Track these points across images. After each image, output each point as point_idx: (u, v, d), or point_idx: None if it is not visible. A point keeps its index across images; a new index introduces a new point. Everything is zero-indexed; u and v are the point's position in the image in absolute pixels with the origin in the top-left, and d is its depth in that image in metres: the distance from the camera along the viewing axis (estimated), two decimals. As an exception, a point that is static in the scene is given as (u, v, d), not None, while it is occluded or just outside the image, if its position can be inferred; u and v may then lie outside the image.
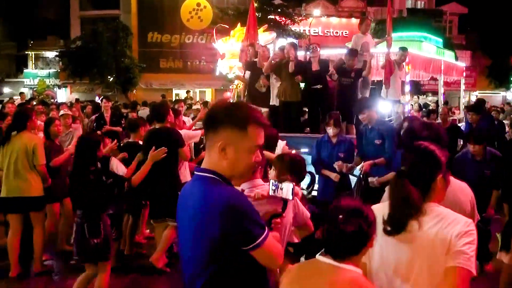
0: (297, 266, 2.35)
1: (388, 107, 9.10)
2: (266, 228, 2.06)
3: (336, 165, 6.24)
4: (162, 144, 5.43)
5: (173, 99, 23.05)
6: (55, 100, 28.42)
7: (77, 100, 18.90)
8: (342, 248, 2.09)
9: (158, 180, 5.74)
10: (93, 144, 5.02)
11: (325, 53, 10.01)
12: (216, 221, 1.94)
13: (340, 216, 2.08)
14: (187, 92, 26.49)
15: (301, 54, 9.43)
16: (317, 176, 6.53)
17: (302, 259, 4.04)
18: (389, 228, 2.25)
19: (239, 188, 2.61)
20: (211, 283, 2.03)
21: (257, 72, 8.77)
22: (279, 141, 5.61)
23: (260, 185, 2.96)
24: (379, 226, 2.23)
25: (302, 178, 3.98)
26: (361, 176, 6.31)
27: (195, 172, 2.17)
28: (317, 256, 2.19)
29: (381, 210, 2.30)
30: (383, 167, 6.13)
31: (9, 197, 6.04)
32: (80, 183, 4.95)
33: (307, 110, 9.27)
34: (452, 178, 2.56)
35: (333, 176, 6.27)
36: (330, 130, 6.35)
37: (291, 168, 3.66)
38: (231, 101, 10.24)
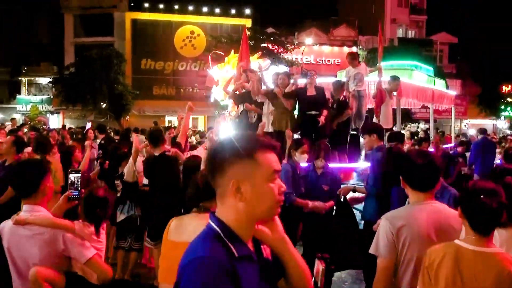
0: (441, 252, 2.50)
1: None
2: None
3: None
4: (165, 171, 5.78)
5: (166, 126, 23.04)
6: (47, 126, 28.33)
7: (63, 126, 18.84)
8: (490, 224, 2.44)
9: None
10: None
11: (317, 81, 10.07)
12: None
13: (482, 196, 2.42)
14: (180, 119, 26.49)
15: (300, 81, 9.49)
16: None
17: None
18: None
19: None
20: None
21: (248, 102, 8.78)
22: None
23: None
24: None
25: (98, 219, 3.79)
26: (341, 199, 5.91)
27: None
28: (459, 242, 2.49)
29: None
30: (367, 198, 5.75)
31: None
32: None
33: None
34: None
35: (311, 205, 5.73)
36: (319, 162, 5.97)
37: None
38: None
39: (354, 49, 36.77)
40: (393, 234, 2.78)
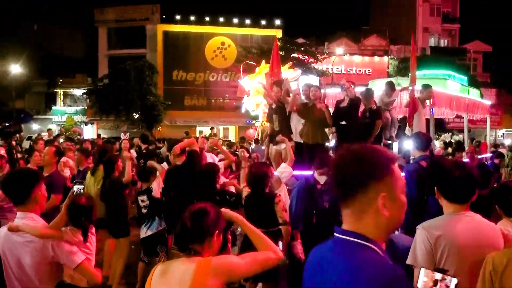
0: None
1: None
2: None
3: None
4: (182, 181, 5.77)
5: (197, 136, 23.28)
6: (82, 136, 28.93)
7: (98, 136, 19.25)
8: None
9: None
10: None
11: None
12: None
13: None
14: (211, 128, 26.71)
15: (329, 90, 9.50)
16: None
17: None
18: None
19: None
20: None
21: (270, 112, 8.82)
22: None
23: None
24: None
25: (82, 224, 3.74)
26: None
27: (335, 234, 1.76)
28: None
29: None
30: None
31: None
32: None
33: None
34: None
35: None
36: (323, 178, 5.20)
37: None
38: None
39: (385, 58, 36.53)
40: (431, 243, 2.72)
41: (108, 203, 6.50)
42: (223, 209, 2.73)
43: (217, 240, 2.55)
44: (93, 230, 3.76)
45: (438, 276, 2.28)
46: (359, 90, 9.20)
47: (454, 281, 2.27)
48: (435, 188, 2.96)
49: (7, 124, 5.34)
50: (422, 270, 2.26)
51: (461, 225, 2.75)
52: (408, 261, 2.79)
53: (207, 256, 2.47)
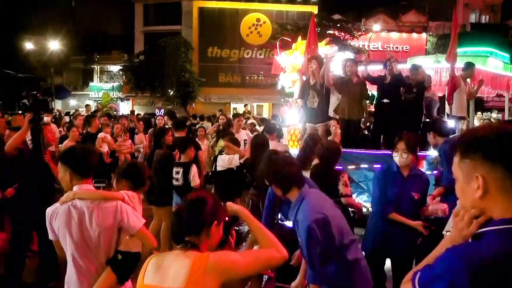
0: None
1: (453, 124, 8.85)
2: None
3: (435, 208, 4.51)
4: None
5: (231, 113, 23.37)
6: (118, 112, 29.41)
7: (132, 112, 19.52)
8: None
9: None
10: None
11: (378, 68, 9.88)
12: None
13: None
14: (245, 105, 26.77)
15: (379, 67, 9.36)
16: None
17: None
18: None
19: None
20: None
21: (306, 89, 8.71)
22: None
23: None
24: None
25: (141, 184, 3.91)
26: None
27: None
28: None
29: None
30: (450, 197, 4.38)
31: None
32: None
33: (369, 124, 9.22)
34: None
35: (415, 224, 4.44)
36: (397, 158, 4.54)
37: (125, 174, 3.87)
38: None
39: (423, 35, 35.70)
40: None
41: (157, 172, 6.74)
42: (228, 203, 2.60)
43: (215, 231, 2.39)
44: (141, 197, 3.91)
45: None
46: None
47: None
48: None
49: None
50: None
51: None
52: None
53: (204, 249, 2.33)
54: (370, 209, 5.42)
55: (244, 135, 10.11)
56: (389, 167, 4.70)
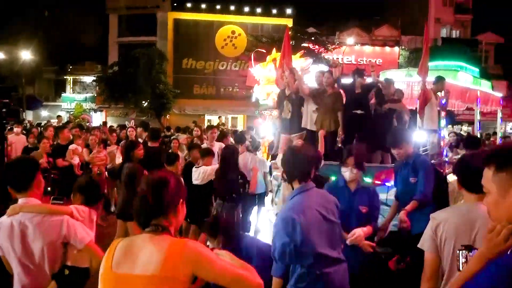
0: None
1: (423, 137, 8.97)
2: None
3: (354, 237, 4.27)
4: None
5: (205, 125, 23.30)
6: (90, 124, 29.06)
7: (104, 123, 19.27)
8: None
9: None
10: None
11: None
12: None
13: None
14: (219, 117, 26.74)
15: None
16: None
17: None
18: None
19: None
20: None
21: (281, 99, 8.75)
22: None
23: None
24: None
25: (95, 199, 3.94)
26: (399, 230, 5.10)
27: None
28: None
29: None
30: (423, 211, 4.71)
31: None
32: None
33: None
34: None
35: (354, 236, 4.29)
36: (347, 173, 4.59)
37: (80, 188, 3.90)
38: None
39: (396, 49, 36.29)
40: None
41: (126, 186, 6.81)
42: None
43: (181, 209, 2.34)
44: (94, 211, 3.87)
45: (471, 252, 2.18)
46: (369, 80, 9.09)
47: None
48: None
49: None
50: (460, 252, 2.18)
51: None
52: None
53: (173, 230, 2.27)
54: None
55: (218, 147, 10.06)
56: (336, 182, 4.77)
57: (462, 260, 2.14)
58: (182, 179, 2.13)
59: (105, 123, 19.47)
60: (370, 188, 4.84)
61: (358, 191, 4.62)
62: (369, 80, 8.91)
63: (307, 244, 3.33)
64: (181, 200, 2.33)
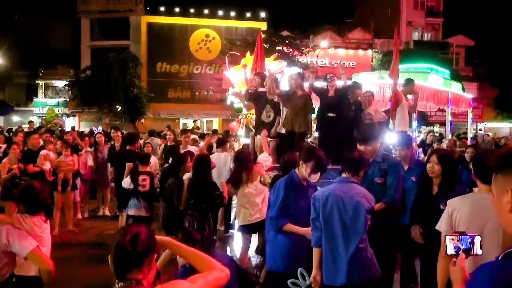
0: None
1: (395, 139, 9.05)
2: None
3: None
4: None
5: (181, 129, 23.16)
6: (64, 128, 28.62)
7: (72, 128, 18.95)
8: None
9: None
10: None
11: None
12: None
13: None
14: (194, 121, 26.62)
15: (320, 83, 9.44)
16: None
17: None
18: None
19: None
20: None
21: (262, 102, 8.75)
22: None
23: None
24: None
25: (37, 208, 3.78)
26: None
27: None
28: None
29: None
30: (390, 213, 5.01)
31: None
32: None
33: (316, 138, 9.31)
34: None
35: (303, 231, 4.59)
36: (314, 176, 4.69)
37: (19, 197, 3.81)
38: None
39: (369, 52, 36.68)
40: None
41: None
42: (156, 237, 2.40)
43: (154, 263, 2.31)
44: (44, 218, 3.75)
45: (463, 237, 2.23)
46: (341, 83, 9.16)
47: (478, 238, 2.22)
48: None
49: None
50: (447, 237, 2.22)
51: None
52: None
53: (148, 284, 2.21)
54: None
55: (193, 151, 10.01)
56: (291, 179, 4.78)
57: (449, 245, 2.19)
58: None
59: (73, 128, 19.13)
60: (316, 185, 4.88)
61: (309, 187, 4.80)
62: (340, 82, 8.97)
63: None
64: (155, 253, 2.30)
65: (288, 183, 4.74)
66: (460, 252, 2.13)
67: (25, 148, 9.50)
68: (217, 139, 10.27)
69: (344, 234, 4.00)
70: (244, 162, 6.60)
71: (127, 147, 9.29)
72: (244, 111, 10.60)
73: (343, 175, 4.22)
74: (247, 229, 6.58)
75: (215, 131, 15.69)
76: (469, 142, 16.04)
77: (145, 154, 7.98)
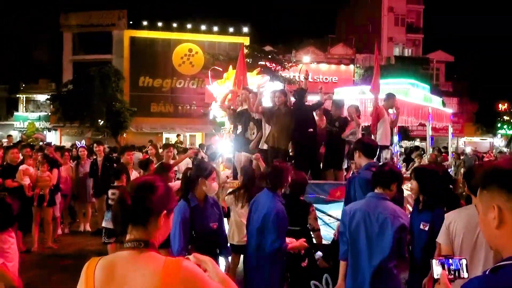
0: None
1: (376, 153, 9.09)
2: None
3: None
4: None
5: (163, 143, 23.05)
6: (44, 143, 28.25)
7: (49, 143, 18.70)
8: None
9: None
10: None
11: (314, 99, 10.03)
12: None
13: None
14: (177, 136, 26.52)
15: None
16: None
17: None
18: None
19: None
20: None
21: (245, 120, 8.73)
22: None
23: None
24: None
25: (5, 224, 3.74)
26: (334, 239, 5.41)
27: None
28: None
29: None
30: None
31: None
32: None
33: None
34: None
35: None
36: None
37: None
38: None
39: (351, 67, 37.01)
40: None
41: None
42: (193, 254, 2.12)
43: (165, 223, 2.05)
44: (13, 234, 3.70)
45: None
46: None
47: (464, 261, 2.21)
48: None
49: None
50: (433, 261, 2.19)
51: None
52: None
53: (156, 245, 2.02)
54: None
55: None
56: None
57: (436, 268, 2.17)
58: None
59: (49, 143, 18.83)
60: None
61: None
62: (316, 98, 9.04)
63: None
64: (165, 211, 2.06)
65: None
66: (442, 270, 2.11)
67: (4, 163, 9.36)
68: (210, 154, 10.29)
69: (369, 249, 4.03)
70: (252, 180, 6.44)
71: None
72: (227, 125, 10.59)
73: (376, 190, 4.17)
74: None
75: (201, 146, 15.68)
76: (449, 156, 16.23)
77: (118, 169, 7.89)
